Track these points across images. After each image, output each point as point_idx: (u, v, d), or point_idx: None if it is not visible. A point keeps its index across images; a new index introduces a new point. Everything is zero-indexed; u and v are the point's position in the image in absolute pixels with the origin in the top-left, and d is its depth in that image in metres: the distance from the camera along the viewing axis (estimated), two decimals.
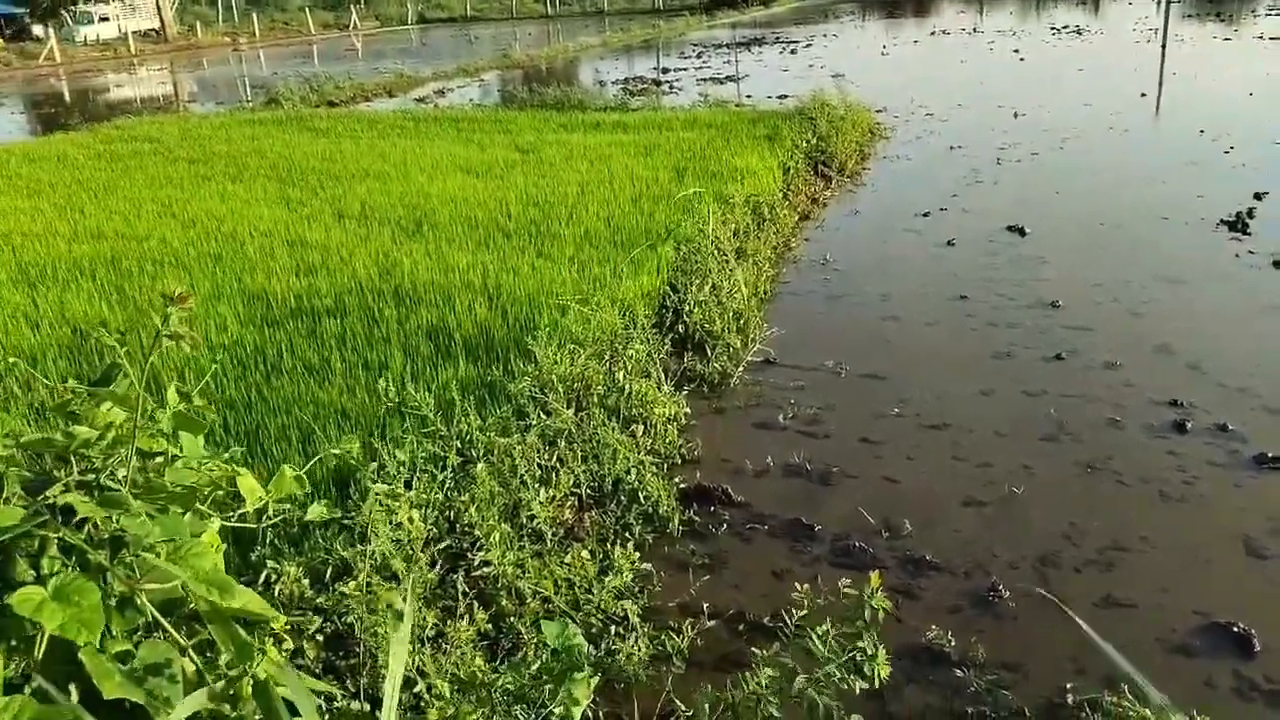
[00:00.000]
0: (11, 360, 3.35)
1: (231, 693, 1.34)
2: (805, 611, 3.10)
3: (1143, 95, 17.75)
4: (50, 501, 1.77)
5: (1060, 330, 6.84)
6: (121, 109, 24.63)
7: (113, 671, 1.49)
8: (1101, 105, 16.60)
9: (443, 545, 3.96)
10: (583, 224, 8.73)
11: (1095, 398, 5.76)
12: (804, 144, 12.06)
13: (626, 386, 5.47)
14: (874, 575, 2.74)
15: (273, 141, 14.03)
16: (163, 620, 1.57)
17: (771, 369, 6.39)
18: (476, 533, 3.96)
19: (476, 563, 3.84)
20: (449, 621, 3.48)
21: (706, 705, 2.89)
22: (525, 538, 4.18)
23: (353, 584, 3.26)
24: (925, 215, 10.05)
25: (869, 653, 2.64)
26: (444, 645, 3.36)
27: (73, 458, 2.07)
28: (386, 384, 4.97)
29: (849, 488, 4.94)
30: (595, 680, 3.14)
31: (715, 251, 7.39)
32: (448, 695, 3.03)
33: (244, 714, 1.32)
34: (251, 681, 1.34)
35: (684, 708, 3.28)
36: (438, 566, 3.85)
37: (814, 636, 2.73)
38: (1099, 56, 25.29)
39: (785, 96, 17.74)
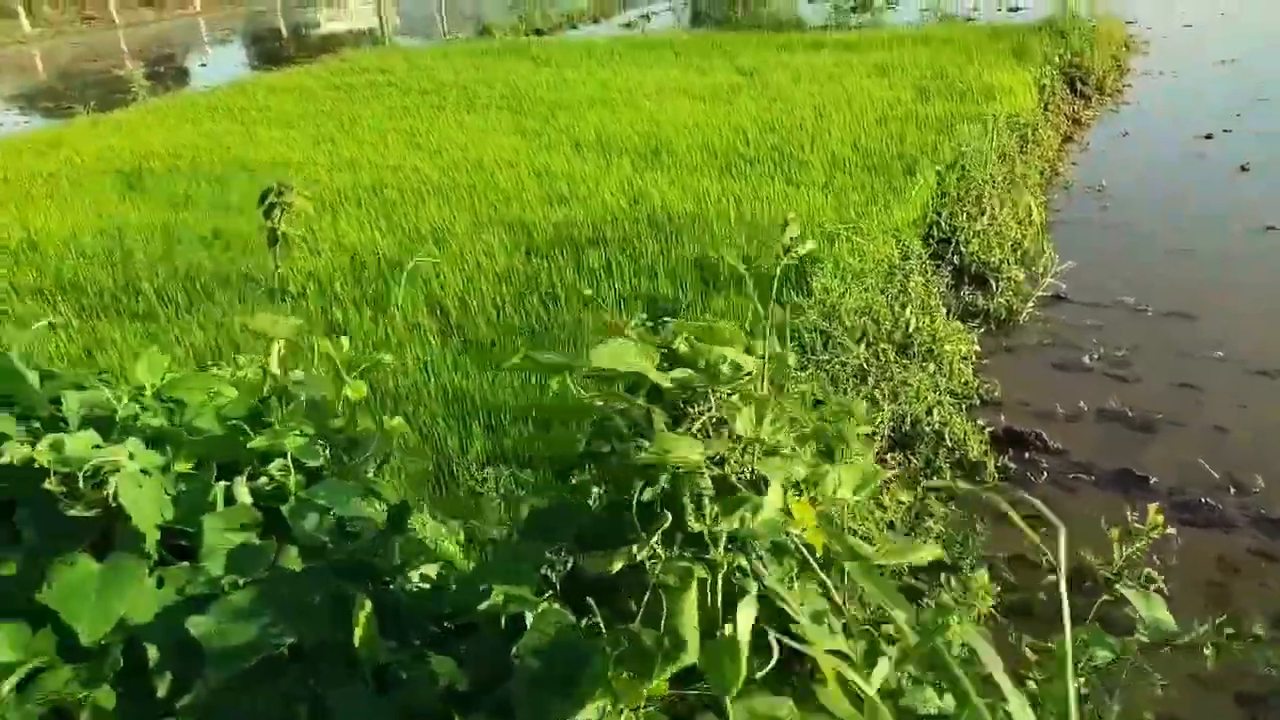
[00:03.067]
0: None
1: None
2: None
3: None
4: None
5: None
6: (335, 42, 25.69)
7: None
8: None
9: None
10: (828, 148, 8.36)
11: None
12: (1057, 59, 11.10)
13: (913, 321, 5.17)
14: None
15: (496, 71, 14.22)
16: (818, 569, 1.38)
17: (1061, 305, 5.91)
18: None
19: None
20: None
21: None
22: None
23: None
24: (1207, 137, 9.05)
25: None
26: None
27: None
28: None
29: (1176, 436, 4.50)
30: None
31: (989, 176, 6.88)
32: None
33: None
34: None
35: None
36: None
37: None
38: None
39: (1018, 9, 16.45)
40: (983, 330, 5.68)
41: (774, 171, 7.88)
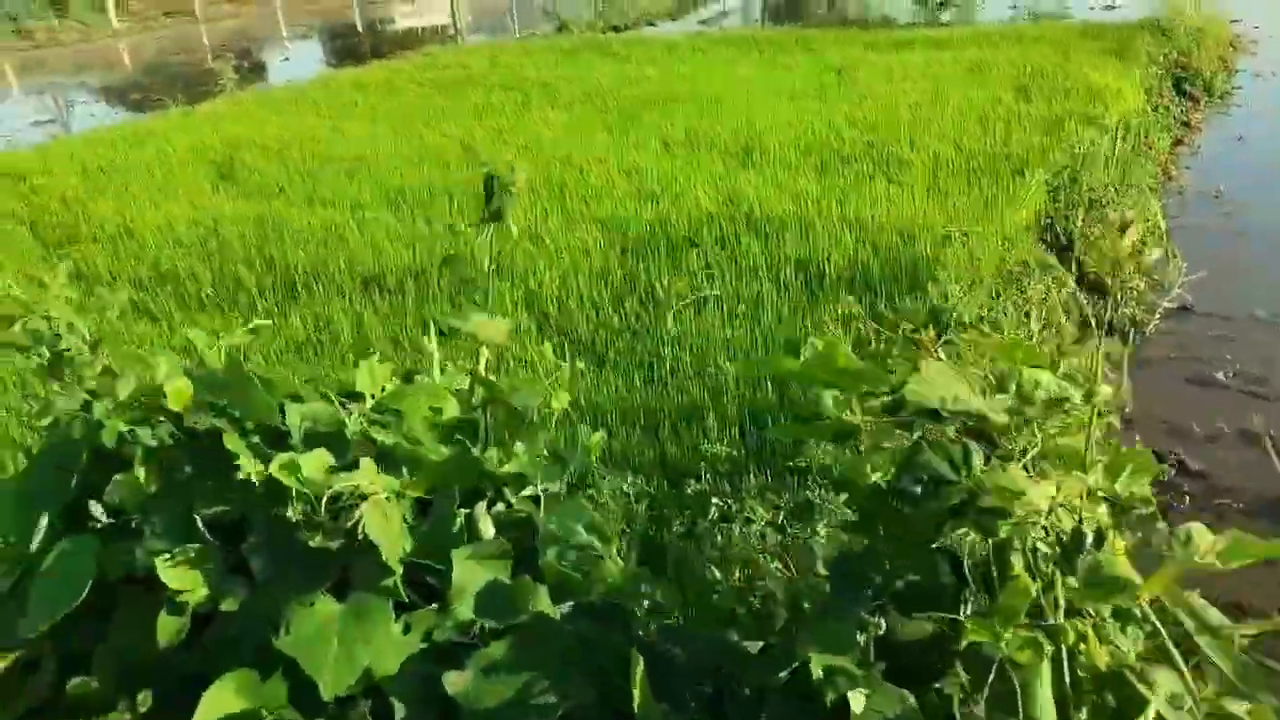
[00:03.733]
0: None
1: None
2: None
3: None
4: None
5: None
6: (411, 38, 25.88)
7: None
8: None
9: None
10: (928, 148, 8.09)
11: None
12: (1161, 59, 10.66)
13: (1037, 330, 4.93)
14: None
15: (577, 67, 14.14)
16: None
17: (1189, 316, 5.61)
18: None
19: None
20: None
21: None
22: None
23: None
24: None
25: None
26: None
27: None
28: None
29: None
30: None
31: (1110, 180, 6.58)
32: None
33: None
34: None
35: None
36: None
37: None
38: None
39: (1113, 6, 15.90)
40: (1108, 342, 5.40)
41: (873, 170, 7.65)
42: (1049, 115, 8.72)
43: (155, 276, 6.62)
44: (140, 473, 1.11)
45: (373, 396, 1.24)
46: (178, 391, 1.13)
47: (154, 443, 1.12)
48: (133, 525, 1.11)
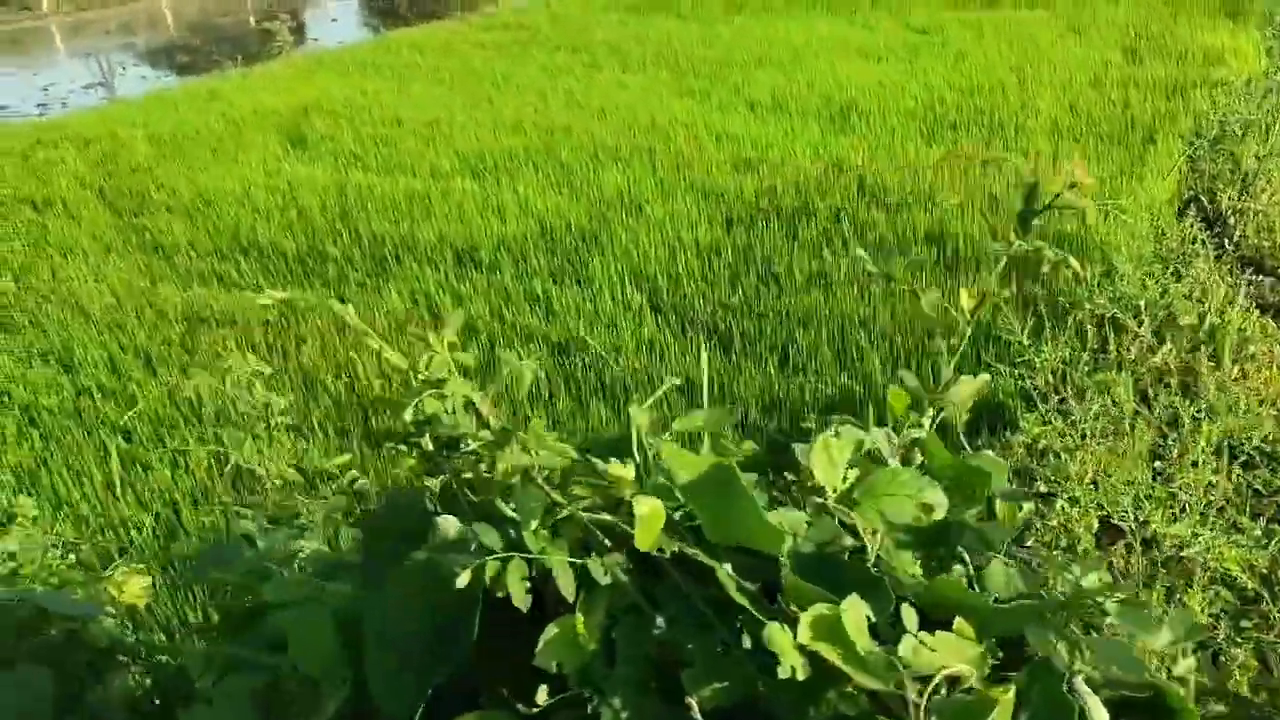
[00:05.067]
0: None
1: None
2: None
3: None
4: None
5: None
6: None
7: None
8: None
9: None
10: (1041, 113, 7.58)
11: None
12: (1278, 19, 9.99)
13: (1211, 314, 4.48)
14: None
15: (643, 28, 13.61)
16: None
17: None
18: None
19: None
20: None
21: None
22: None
23: None
24: None
25: None
26: None
27: None
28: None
29: None
30: None
31: (1266, 149, 6.06)
32: None
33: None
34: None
35: None
36: None
37: None
38: None
39: None
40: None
41: (988, 137, 7.17)
42: (1167, 78, 8.15)
43: (236, 246, 6.32)
44: (578, 624, 0.76)
45: (834, 490, 0.87)
46: (651, 518, 0.75)
47: (606, 579, 0.76)
48: (581, 696, 0.75)
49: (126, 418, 4.16)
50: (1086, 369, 3.90)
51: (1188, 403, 3.81)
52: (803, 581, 0.75)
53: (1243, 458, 3.45)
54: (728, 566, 0.77)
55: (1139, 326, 4.20)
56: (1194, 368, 4.09)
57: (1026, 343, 3.94)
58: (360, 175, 7.50)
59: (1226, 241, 5.53)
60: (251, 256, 6.16)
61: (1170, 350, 4.15)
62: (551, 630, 0.79)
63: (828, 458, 0.86)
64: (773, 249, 5.64)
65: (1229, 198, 5.70)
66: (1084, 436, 3.64)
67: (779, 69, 10.10)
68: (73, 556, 2.26)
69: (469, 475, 0.95)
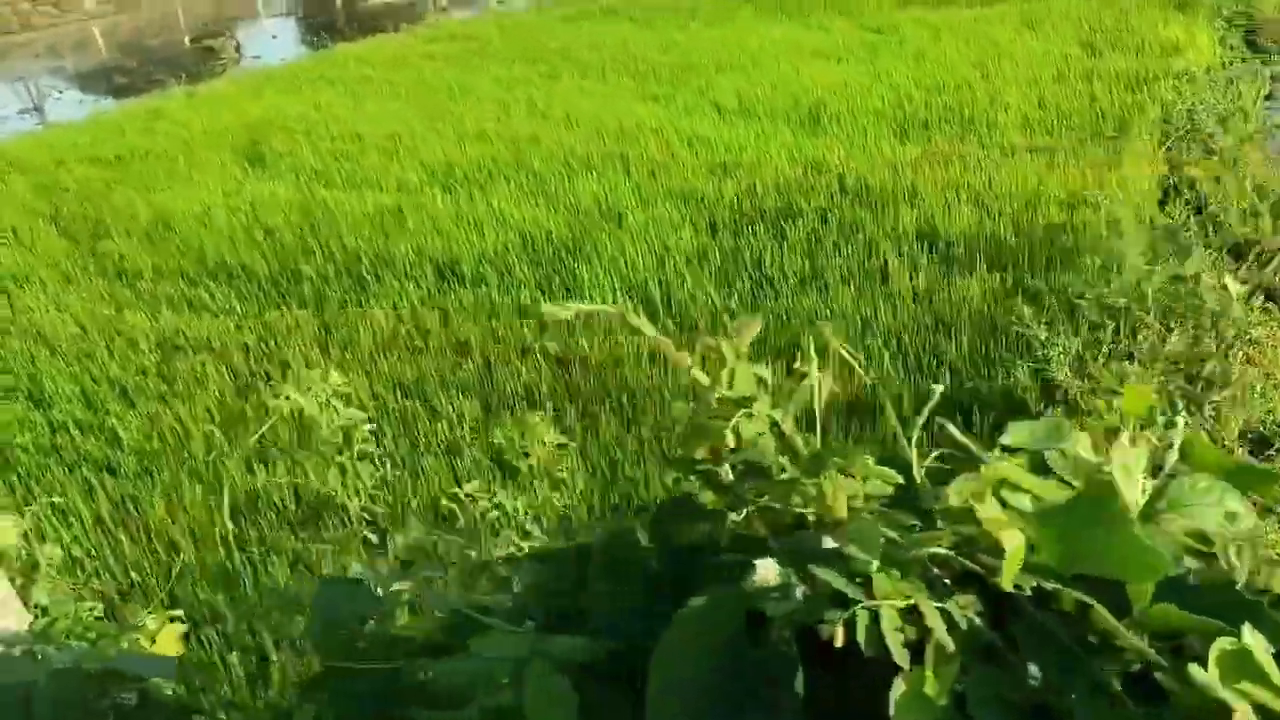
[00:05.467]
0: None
1: None
2: None
3: None
4: None
5: None
6: (387, 12, 24.92)
7: None
8: None
9: None
10: (1010, 108, 7.62)
11: None
12: (1226, 11, 10.22)
13: (1211, 301, 4.48)
14: None
15: (595, 35, 13.50)
16: None
17: None
18: None
19: None
20: None
21: None
22: None
23: None
24: None
25: None
26: None
27: None
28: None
29: None
30: None
31: (1239, 137, 6.13)
32: None
33: None
34: None
35: None
36: None
37: None
38: None
39: None
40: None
41: (963, 134, 7.16)
42: (1128, 70, 8.25)
43: (203, 270, 6.06)
44: (928, 681, 0.62)
45: (1135, 504, 0.74)
46: (1018, 553, 0.63)
47: (963, 623, 0.64)
48: None
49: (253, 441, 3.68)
50: (1103, 360, 3.86)
51: (1206, 390, 3.79)
52: (1186, 612, 0.64)
53: (1277, 443, 3.43)
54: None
55: (1147, 315, 4.18)
56: (1204, 356, 4.08)
57: (1043, 336, 3.89)
58: (325, 192, 7.26)
59: (1211, 229, 5.58)
60: (220, 279, 5.91)
61: (1179, 339, 4.13)
62: (900, 686, 0.66)
63: (1125, 470, 0.75)
64: (761, 251, 5.55)
65: (1209, 185, 5.74)
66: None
67: (740, 73, 10.06)
68: (99, 605, 2.07)
69: (773, 507, 0.82)
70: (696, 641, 0.71)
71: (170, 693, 1.51)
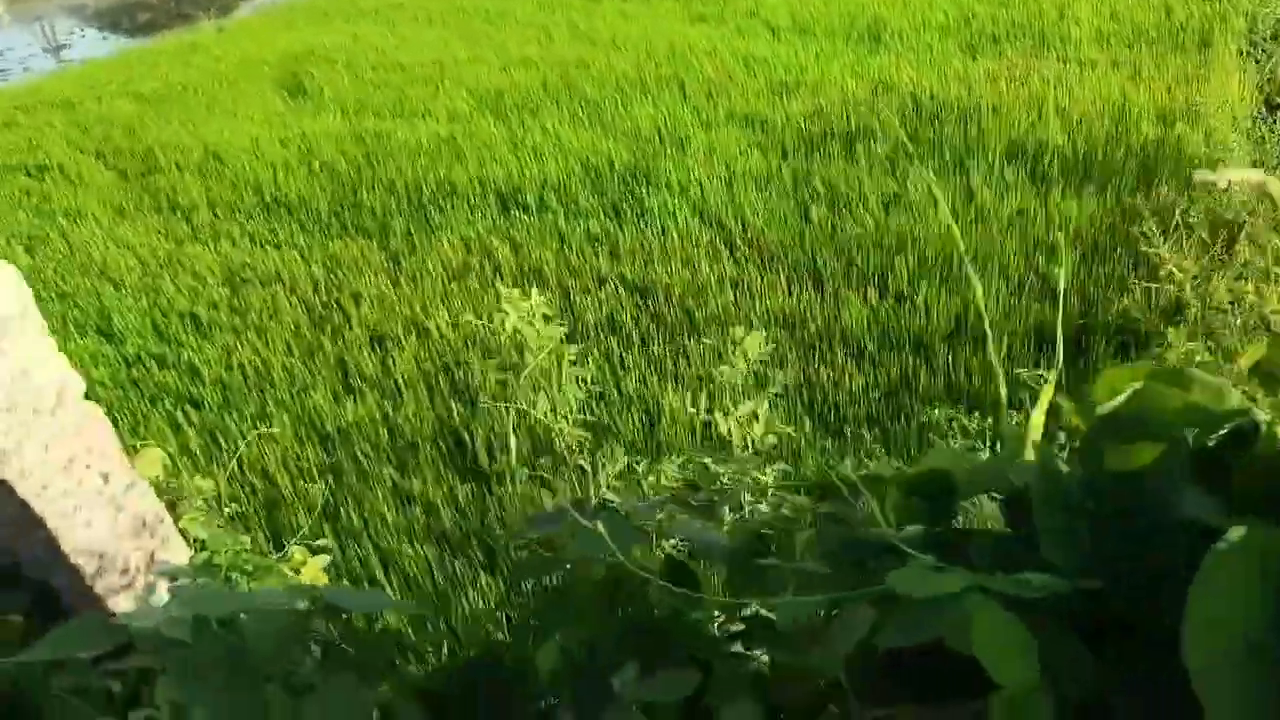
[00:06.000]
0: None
1: None
2: None
3: None
4: None
5: None
6: None
7: None
8: None
9: None
10: (1083, 22, 7.27)
11: None
12: None
13: None
14: None
15: None
16: None
17: None
18: None
19: None
20: None
21: None
22: None
23: None
24: None
25: None
26: None
27: None
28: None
29: None
30: None
31: None
32: None
33: None
34: None
35: None
36: None
37: None
38: None
39: None
40: None
41: (1036, 48, 6.85)
42: None
43: (260, 203, 5.93)
44: None
45: None
46: None
47: None
48: None
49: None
50: (1225, 279, 3.67)
51: None
52: None
53: None
54: None
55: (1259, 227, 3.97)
56: None
57: (1166, 255, 3.70)
58: (374, 122, 7.08)
59: None
60: (279, 212, 5.78)
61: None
62: None
63: None
64: (836, 174, 5.34)
65: None
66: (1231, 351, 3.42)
67: None
68: (247, 539, 1.98)
69: None
70: (1244, 578, 0.57)
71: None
